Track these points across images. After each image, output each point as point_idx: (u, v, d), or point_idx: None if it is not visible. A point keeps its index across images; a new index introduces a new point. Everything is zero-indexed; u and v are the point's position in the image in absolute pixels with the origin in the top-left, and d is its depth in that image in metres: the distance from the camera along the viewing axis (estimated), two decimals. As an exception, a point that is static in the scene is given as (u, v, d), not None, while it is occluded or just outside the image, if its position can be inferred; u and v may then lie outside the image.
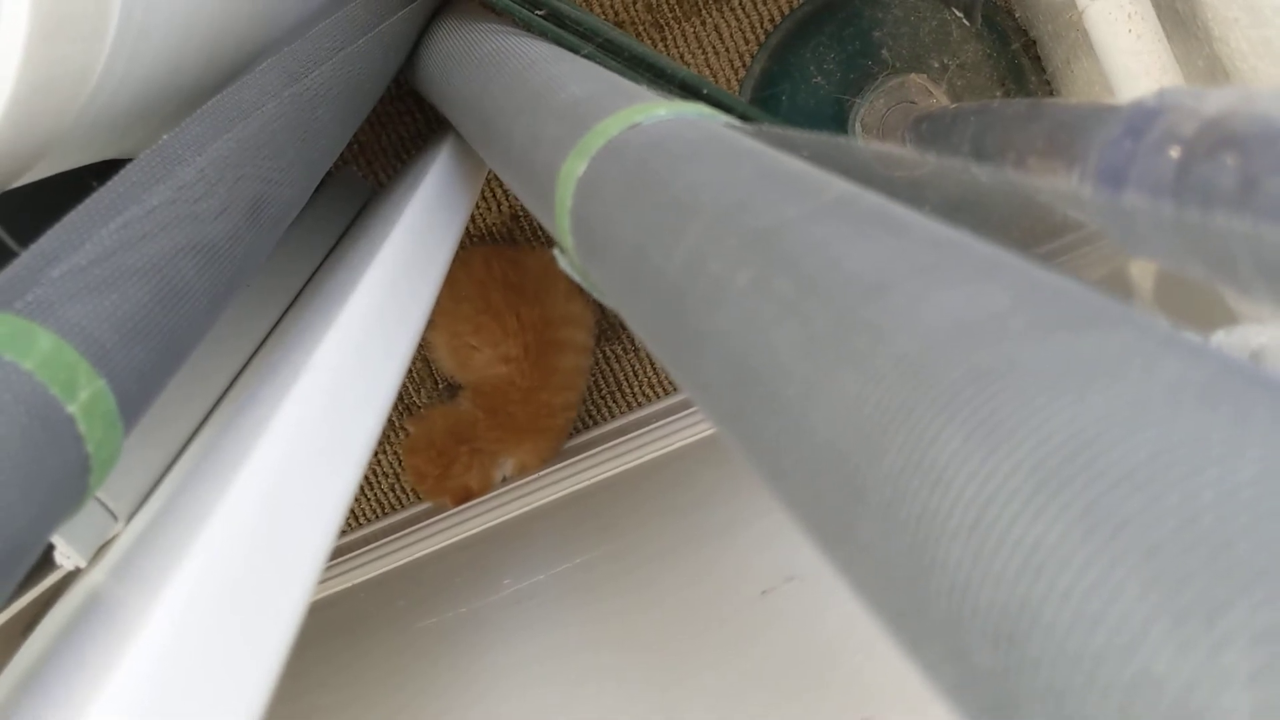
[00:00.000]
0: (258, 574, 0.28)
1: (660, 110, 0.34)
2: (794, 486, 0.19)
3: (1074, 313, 0.16)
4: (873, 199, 0.24)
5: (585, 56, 0.57)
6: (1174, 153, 0.29)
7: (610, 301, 0.34)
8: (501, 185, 1.02)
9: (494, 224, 1.03)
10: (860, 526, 0.16)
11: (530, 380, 0.93)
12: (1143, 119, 0.31)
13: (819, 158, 0.29)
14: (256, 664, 0.26)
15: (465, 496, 0.96)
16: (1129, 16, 0.53)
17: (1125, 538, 0.12)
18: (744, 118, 0.38)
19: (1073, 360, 0.15)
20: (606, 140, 0.33)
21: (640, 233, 0.29)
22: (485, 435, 0.94)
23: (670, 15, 0.97)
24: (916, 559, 0.15)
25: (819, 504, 0.18)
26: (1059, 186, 0.36)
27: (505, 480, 0.98)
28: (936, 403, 0.15)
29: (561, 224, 0.35)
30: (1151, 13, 0.54)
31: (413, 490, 1.06)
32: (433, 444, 0.95)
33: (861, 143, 0.34)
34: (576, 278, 0.37)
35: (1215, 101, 0.29)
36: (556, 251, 0.38)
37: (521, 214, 1.02)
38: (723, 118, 0.35)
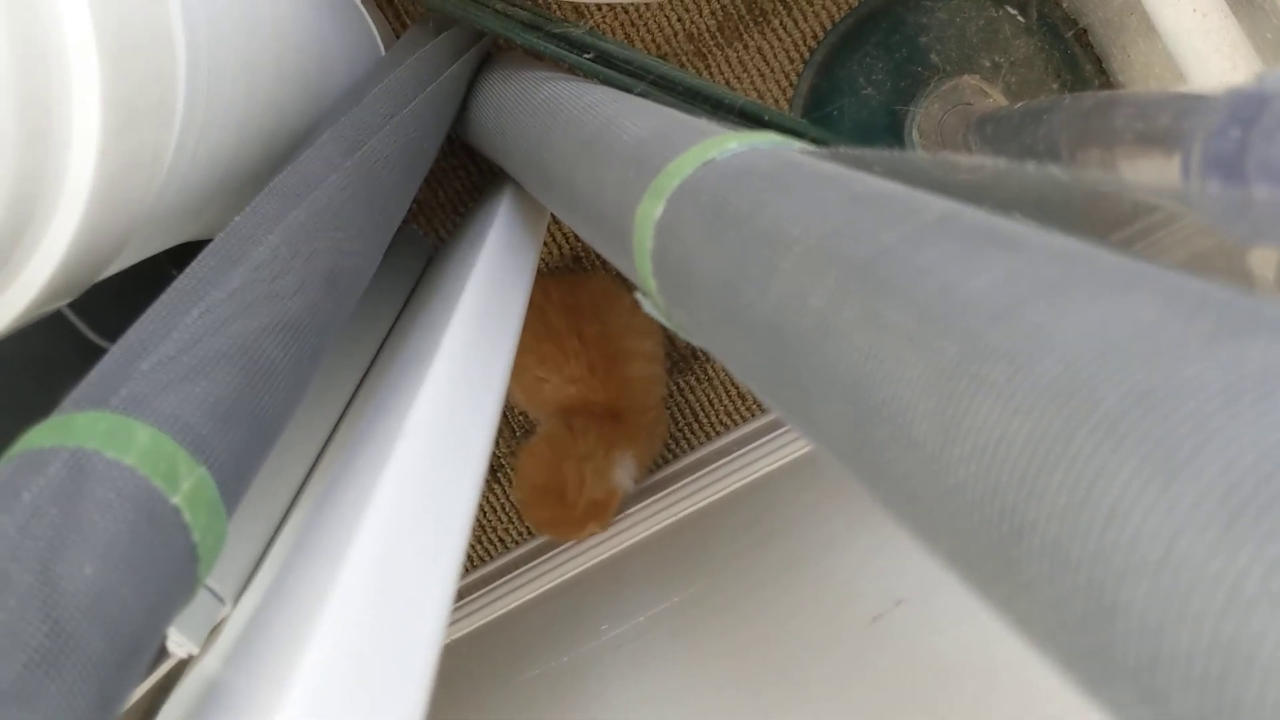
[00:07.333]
0: (382, 650, 0.28)
1: (732, 143, 0.33)
2: (935, 525, 0.18)
3: (1227, 319, 0.15)
4: (976, 215, 0.23)
5: (639, 95, 0.56)
6: (1296, 137, 0.28)
7: (700, 341, 0.33)
8: (561, 228, 1.02)
9: (555, 267, 1.03)
10: (1022, 566, 0.15)
11: (604, 395, 0.92)
12: (1249, 106, 0.30)
13: (895, 174, 0.29)
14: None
15: (599, 512, 0.93)
16: (1192, -6, 0.52)
17: (1348, 567, 0.11)
18: (814, 141, 0.38)
19: (1242, 373, 0.14)
20: (681, 179, 0.33)
21: (729, 270, 0.28)
22: (584, 438, 0.93)
23: (712, 42, 0.97)
24: (1095, 599, 0.14)
25: (968, 543, 0.17)
26: (1150, 179, 0.35)
27: (633, 482, 0.96)
28: (1098, 430, 0.14)
29: (643, 268, 0.34)
30: (1215, -12, 0.53)
31: (499, 541, 1.06)
32: (536, 486, 0.94)
33: (938, 156, 0.33)
34: (662, 319, 0.36)
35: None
36: (639, 295, 0.37)
37: (583, 255, 1.02)
38: (796, 144, 0.34)
